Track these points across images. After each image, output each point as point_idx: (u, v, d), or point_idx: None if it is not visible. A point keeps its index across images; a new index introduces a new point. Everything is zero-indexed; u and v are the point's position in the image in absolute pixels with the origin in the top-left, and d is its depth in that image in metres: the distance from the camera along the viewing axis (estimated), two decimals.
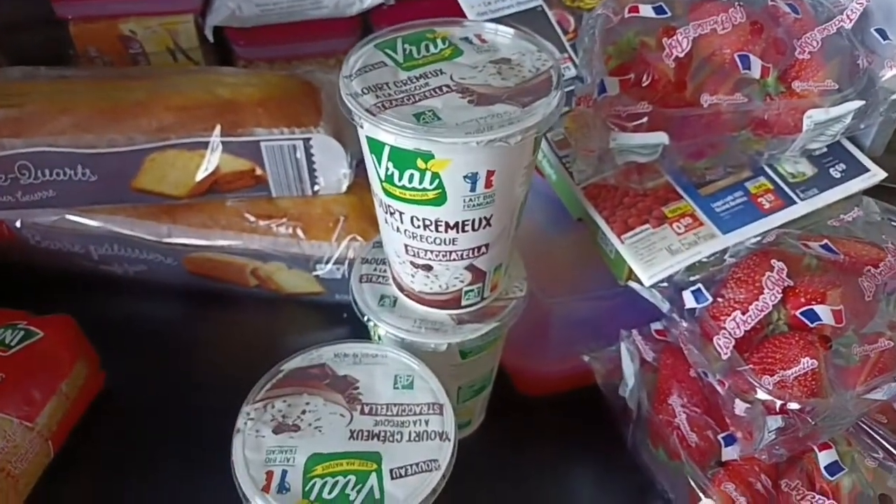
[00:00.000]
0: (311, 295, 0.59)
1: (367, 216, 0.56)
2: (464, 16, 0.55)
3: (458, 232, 0.37)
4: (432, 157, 0.33)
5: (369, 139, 0.34)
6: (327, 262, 0.56)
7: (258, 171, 0.54)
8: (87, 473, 0.49)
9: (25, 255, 0.60)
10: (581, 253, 0.50)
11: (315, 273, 0.57)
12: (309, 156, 0.54)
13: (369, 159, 0.36)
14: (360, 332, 0.44)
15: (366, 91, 0.34)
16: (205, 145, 0.53)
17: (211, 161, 0.53)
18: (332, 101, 0.58)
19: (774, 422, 0.38)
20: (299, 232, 0.56)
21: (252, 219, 0.56)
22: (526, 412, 0.52)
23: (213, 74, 0.58)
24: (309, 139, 0.54)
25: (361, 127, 0.34)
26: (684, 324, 0.42)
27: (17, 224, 0.58)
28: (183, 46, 0.69)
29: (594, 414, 0.50)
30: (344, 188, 0.56)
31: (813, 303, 0.40)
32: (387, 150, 0.34)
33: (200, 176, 0.54)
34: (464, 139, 0.32)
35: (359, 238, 0.55)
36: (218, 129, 0.52)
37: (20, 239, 0.59)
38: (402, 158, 0.33)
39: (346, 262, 0.56)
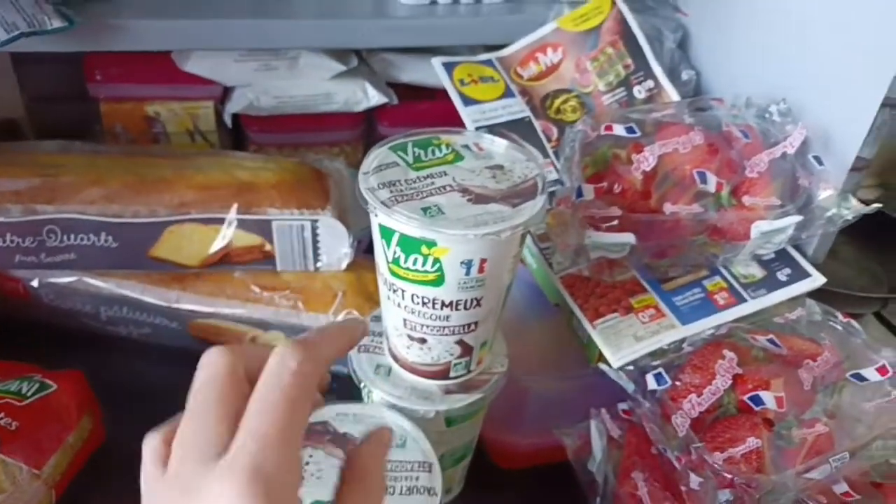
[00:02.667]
0: None
1: (364, 293, 0.61)
2: (460, 120, 0.62)
3: (452, 310, 0.42)
4: (435, 244, 0.38)
5: (381, 226, 0.40)
6: None
7: (267, 247, 0.60)
8: None
9: (38, 313, 0.63)
10: (556, 335, 0.55)
11: None
12: (315, 235, 0.60)
13: (379, 243, 0.41)
14: (347, 399, 0.48)
15: (381, 186, 0.40)
16: (221, 221, 0.58)
17: (225, 236, 0.59)
18: (338, 188, 0.64)
19: (724, 495, 0.43)
20: (300, 304, 0.61)
21: (257, 290, 0.61)
22: (501, 483, 0.56)
23: (232, 158, 0.64)
24: (316, 220, 0.59)
25: (376, 216, 0.39)
26: (647, 404, 0.47)
27: (34, 283, 0.62)
28: (202, 129, 0.76)
29: (565, 487, 0.53)
30: (344, 266, 0.61)
31: (759, 389, 0.45)
32: (396, 236, 0.39)
33: (214, 248, 0.59)
34: (463, 231, 0.38)
35: (355, 312, 0.60)
36: (235, 207, 0.58)
37: (35, 297, 0.63)
38: (409, 245, 0.39)
39: None
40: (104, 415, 0.56)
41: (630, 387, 0.48)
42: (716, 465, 0.42)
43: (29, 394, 0.51)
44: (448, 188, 0.41)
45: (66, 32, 0.59)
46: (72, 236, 0.58)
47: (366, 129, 0.81)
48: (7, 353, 0.56)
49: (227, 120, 0.75)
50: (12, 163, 0.59)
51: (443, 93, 0.65)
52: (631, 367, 0.48)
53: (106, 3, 0.64)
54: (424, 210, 0.39)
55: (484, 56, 0.67)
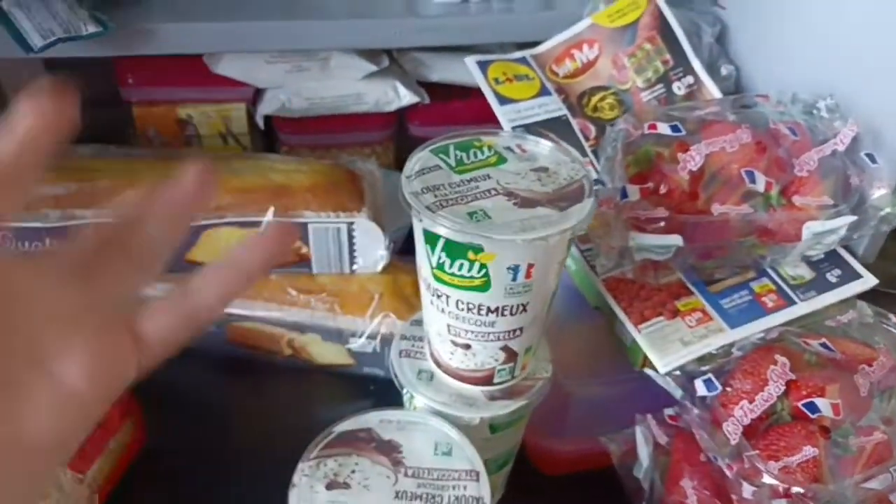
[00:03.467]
0: (342, 367, 0.63)
1: (400, 295, 0.61)
2: (495, 117, 0.61)
3: (497, 316, 0.41)
4: (482, 250, 0.38)
5: (426, 232, 0.39)
6: (360, 337, 0.60)
7: (303, 250, 0.59)
8: None
9: None
10: (598, 339, 0.54)
11: (348, 346, 0.61)
12: (351, 238, 0.59)
13: (423, 248, 0.40)
14: (387, 403, 0.47)
15: (425, 190, 0.39)
16: (257, 224, 0.58)
17: None
18: (372, 189, 0.63)
19: None
20: (336, 307, 0.61)
21: (293, 293, 0.61)
22: (544, 490, 0.55)
23: (266, 161, 0.63)
24: (352, 223, 0.59)
25: (420, 221, 0.39)
26: (696, 410, 0.46)
27: None
28: (234, 131, 0.75)
29: (609, 494, 0.52)
30: (380, 268, 0.61)
31: (813, 396, 0.44)
32: (441, 242, 0.38)
33: None
34: (511, 237, 0.37)
35: (392, 315, 0.60)
36: (271, 210, 0.58)
37: None
38: (455, 250, 0.38)
39: (379, 337, 0.60)
40: (144, 419, 0.56)
41: (678, 393, 0.46)
42: (771, 475, 0.41)
43: None
44: (493, 192, 0.40)
45: (100, 37, 0.59)
46: None
47: (397, 129, 0.80)
48: None
49: (260, 122, 0.74)
50: (48, 168, 0.59)
51: (474, 91, 0.64)
52: (678, 373, 0.47)
53: (138, 8, 0.64)
54: (470, 215, 0.38)
55: (518, 54, 0.66)
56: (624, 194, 0.48)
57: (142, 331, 0.25)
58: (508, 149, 0.44)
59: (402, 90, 0.75)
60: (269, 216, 0.58)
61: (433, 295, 0.42)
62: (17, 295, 0.23)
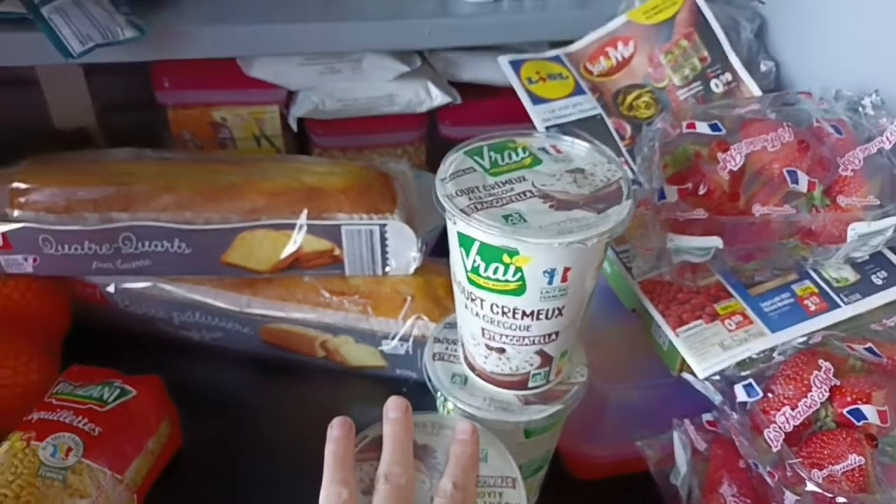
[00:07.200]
0: (374, 368, 0.63)
1: (433, 297, 0.60)
2: (527, 117, 0.61)
3: (532, 320, 0.41)
4: (517, 253, 0.37)
5: (460, 235, 0.39)
6: (393, 339, 0.60)
7: (336, 252, 0.59)
8: None
9: (114, 318, 0.65)
10: (634, 342, 0.53)
11: (380, 348, 0.61)
12: (383, 240, 0.59)
13: (457, 252, 0.40)
14: (420, 406, 0.47)
15: (459, 193, 0.39)
16: (291, 227, 0.58)
17: (295, 241, 0.59)
18: (405, 191, 0.63)
19: None
20: (369, 309, 0.61)
21: (326, 294, 0.61)
22: (578, 495, 0.55)
23: (299, 163, 0.64)
24: (385, 225, 0.59)
25: (454, 224, 0.38)
26: (735, 416, 0.45)
27: (111, 289, 0.63)
28: (267, 133, 0.76)
29: (645, 499, 0.51)
30: (412, 270, 0.61)
31: (859, 402, 0.42)
32: (476, 245, 0.38)
33: (284, 254, 0.59)
34: (548, 240, 0.36)
35: (424, 317, 0.60)
36: (305, 213, 0.58)
37: (111, 303, 0.64)
38: (490, 253, 0.38)
39: (411, 339, 0.60)
40: (179, 421, 0.57)
41: (717, 398, 0.45)
42: (816, 483, 0.40)
43: (110, 400, 0.51)
44: (528, 194, 0.39)
45: (137, 42, 0.60)
46: (146, 243, 0.59)
47: (428, 130, 0.80)
48: (85, 357, 0.57)
49: (293, 124, 0.75)
50: (87, 172, 0.60)
51: (506, 90, 0.64)
52: (718, 378, 0.46)
53: (173, 12, 0.65)
54: (506, 217, 0.37)
55: (552, 52, 0.65)
56: (662, 195, 0.47)
57: None
58: (543, 150, 0.43)
59: (434, 90, 0.75)
60: (302, 218, 0.58)
61: (467, 298, 0.42)
62: None
